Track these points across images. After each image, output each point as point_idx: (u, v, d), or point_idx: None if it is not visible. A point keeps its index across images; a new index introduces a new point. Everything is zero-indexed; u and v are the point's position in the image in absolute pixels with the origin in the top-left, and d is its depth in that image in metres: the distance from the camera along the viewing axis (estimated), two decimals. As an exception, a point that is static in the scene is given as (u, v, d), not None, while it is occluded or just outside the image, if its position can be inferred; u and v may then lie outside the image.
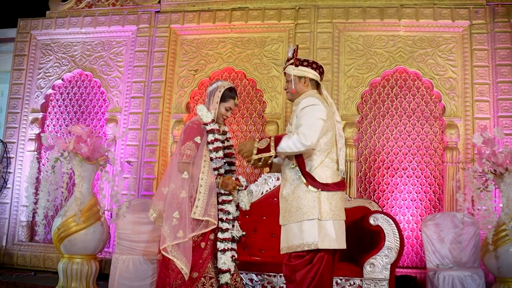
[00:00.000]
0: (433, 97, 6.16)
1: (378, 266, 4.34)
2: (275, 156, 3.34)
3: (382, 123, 6.21)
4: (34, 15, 7.40)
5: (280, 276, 4.40)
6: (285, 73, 3.57)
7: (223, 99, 3.68)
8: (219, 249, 3.55)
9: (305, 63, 3.48)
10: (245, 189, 3.71)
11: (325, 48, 6.35)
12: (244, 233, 3.75)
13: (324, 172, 3.29)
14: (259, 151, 3.26)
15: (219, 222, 3.56)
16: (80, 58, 7.10)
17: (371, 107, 6.27)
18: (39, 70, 7.23)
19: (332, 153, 3.38)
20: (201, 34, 6.79)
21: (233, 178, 3.67)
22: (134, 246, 5.01)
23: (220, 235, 3.56)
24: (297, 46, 3.57)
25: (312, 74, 3.47)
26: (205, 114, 3.64)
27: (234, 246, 3.64)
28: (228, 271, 3.53)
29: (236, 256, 3.64)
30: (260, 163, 3.36)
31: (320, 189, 3.24)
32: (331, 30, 6.39)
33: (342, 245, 3.34)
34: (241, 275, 4.03)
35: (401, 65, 6.21)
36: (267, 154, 3.24)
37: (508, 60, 6.03)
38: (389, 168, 6.11)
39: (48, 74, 7.18)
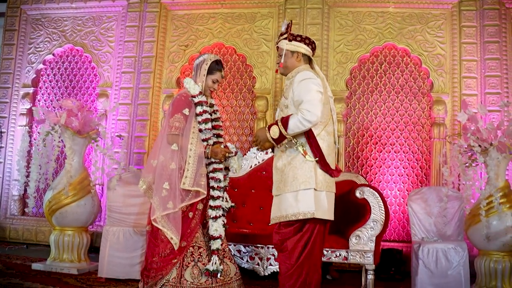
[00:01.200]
0: (421, 74, 6.21)
1: (364, 238, 4.39)
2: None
3: (370, 99, 6.26)
4: (24, -11, 7.35)
5: (268, 248, 4.47)
6: (277, 48, 3.60)
7: (210, 71, 3.72)
8: (211, 216, 3.63)
9: (298, 38, 3.52)
10: (235, 155, 3.77)
11: (315, 24, 6.37)
12: (233, 204, 3.82)
13: (319, 144, 3.33)
14: (277, 141, 3.30)
15: (211, 190, 3.64)
16: (71, 33, 7.09)
17: (360, 83, 6.32)
18: (30, 45, 7.22)
19: (329, 126, 3.43)
20: (192, 9, 6.78)
21: (222, 146, 3.73)
22: (125, 218, 5.07)
23: (211, 202, 3.64)
24: (291, 21, 3.60)
25: (304, 49, 3.51)
26: (192, 86, 3.69)
27: (225, 213, 3.72)
28: (220, 237, 3.61)
29: (225, 221, 3.72)
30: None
31: (317, 159, 3.31)
32: (321, 6, 6.40)
33: (331, 216, 3.42)
34: (229, 247, 4.11)
35: (390, 41, 6.25)
36: (286, 141, 3.29)
37: (496, 37, 6.08)
38: (377, 143, 6.18)
39: (39, 49, 7.18)
